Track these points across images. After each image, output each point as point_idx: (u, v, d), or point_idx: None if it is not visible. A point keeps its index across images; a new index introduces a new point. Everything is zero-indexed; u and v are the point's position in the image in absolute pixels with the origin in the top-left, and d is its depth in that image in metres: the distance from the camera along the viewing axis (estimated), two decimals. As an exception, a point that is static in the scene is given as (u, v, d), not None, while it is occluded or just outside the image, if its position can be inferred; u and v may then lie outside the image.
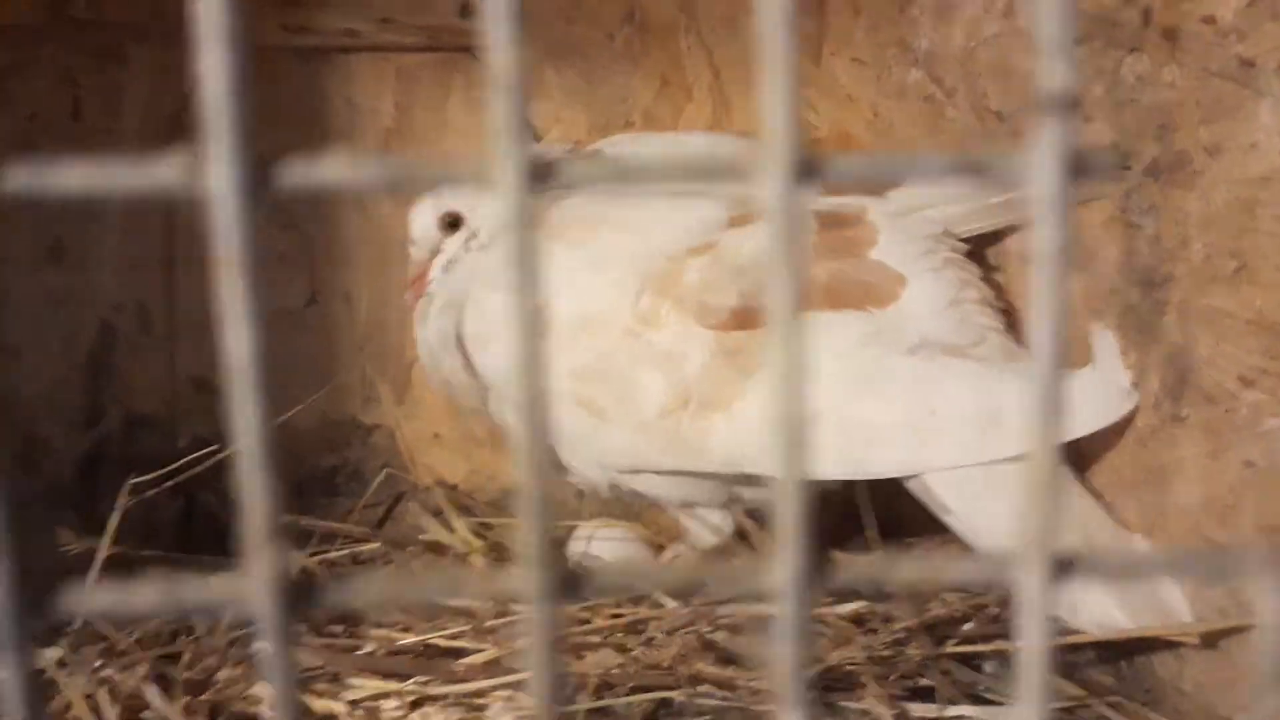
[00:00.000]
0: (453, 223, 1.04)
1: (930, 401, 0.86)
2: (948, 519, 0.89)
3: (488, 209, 1.04)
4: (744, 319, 0.91)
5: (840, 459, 0.87)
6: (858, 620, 0.89)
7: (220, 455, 0.98)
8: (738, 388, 0.90)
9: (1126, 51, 0.80)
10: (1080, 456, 0.87)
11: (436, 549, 1.10)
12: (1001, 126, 0.97)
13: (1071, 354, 0.90)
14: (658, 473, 0.96)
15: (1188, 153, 0.75)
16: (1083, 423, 0.83)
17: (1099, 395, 0.83)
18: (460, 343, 1.01)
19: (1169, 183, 0.77)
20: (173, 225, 1.22)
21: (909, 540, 1.08)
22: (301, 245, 1.24)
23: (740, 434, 0.91)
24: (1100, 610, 0.79)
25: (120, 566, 0.96)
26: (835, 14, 1.22)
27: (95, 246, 1.21)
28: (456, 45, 1.21)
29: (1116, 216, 0.83)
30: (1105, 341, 0.83)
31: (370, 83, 1.22)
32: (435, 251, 1.05)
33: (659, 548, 1.07)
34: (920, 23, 1.10)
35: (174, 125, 1.20)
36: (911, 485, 0.90)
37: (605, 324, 0.93)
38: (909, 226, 0.95)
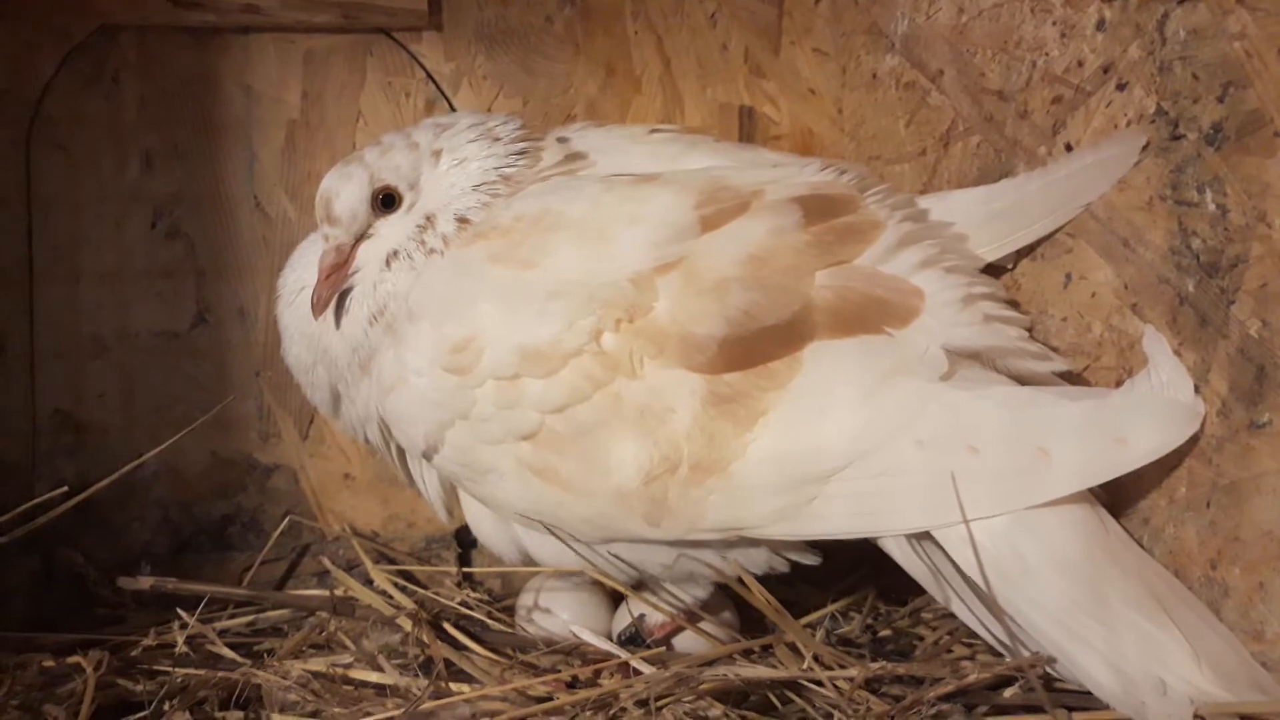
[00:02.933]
0: (386, 199, 0.83)
1: (971, 438, 0.72)
2: (958, 602, 0.75)
3: (441, 180, 0.83)
4: (736, 353, 0.75)
5: (871, 512, 0.73)
6: (873, 685, 0.75)
7: (75, 501, 0.79)
8: (735, 444, 0.74)
9: (1174, 3, 0.70)
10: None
11: (351, 610, 0.92)
12: (1005, 107, 0.86)
13: (1105, 357, 0.78)
14: (638, 542, 0.79)
15: (1264, 112, 0.64)
16: (1141, 451, 0.70)
17: (1157, 413, 0.70)
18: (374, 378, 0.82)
19: (1239, 149, 0.66)
20: (32, 230, 1.03)
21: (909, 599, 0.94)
22: (187, 254, 1.06)
23: (740, 499, 0.75)
24: (1192, 689, 0.66)
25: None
26: (795, 0, 1.10)
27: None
28: (373, 26, 1.06)
29: (1163, 195, 0.71)
30: (1157, 344, 0.71)
31: (273, 68, 1.06)
32: (360, 236, 0.84)
33: (616, 596, 0.91)
34: (897, 3, 0.99)
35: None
36: (912, 553, 0.76)
37: (561, 372, 0.76)
38: (909, 216, 0.82)
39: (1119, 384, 0.75)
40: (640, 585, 0.85)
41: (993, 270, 0.86)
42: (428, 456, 0.82)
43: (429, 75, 1.07)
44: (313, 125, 1.06)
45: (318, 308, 0.82)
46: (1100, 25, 0.76)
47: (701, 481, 0.74)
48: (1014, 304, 0.83)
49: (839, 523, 0.74)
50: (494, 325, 0.77)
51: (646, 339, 0.75)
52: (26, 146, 1.02)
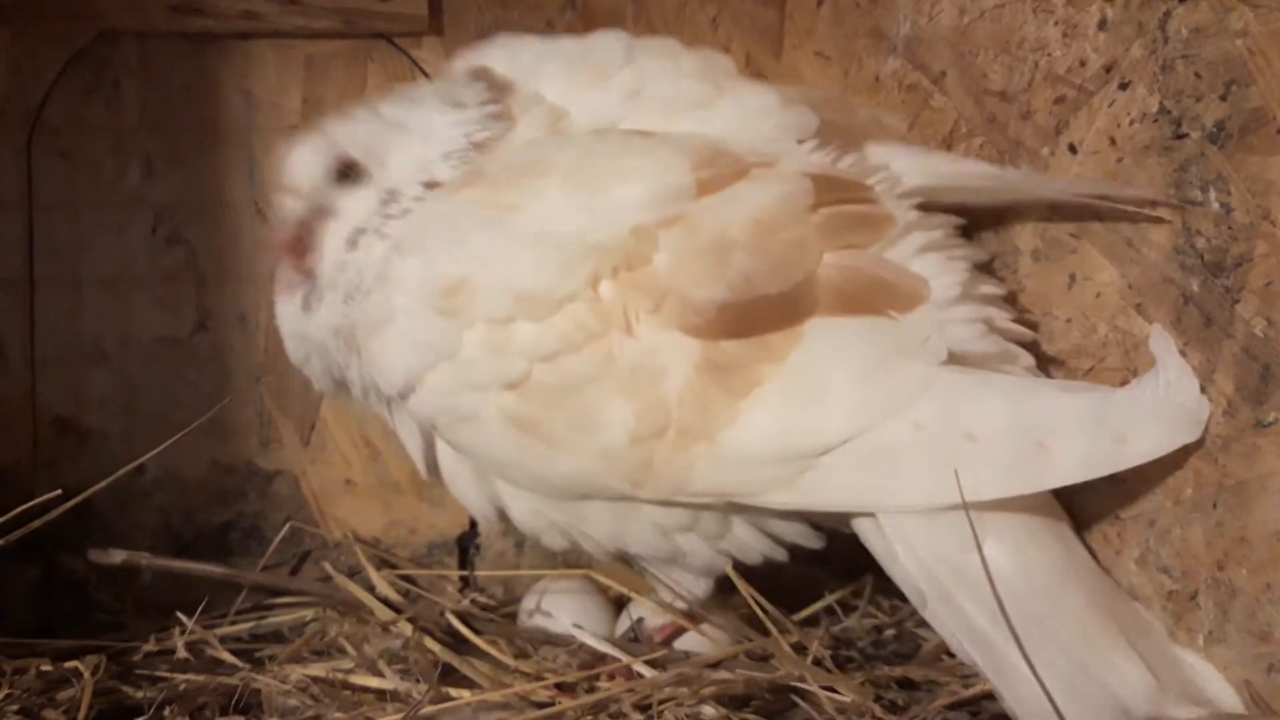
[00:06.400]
0: (346, 172, 0.80)
1: (970, 425, 0.71)
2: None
3: (406, 155, 0.80)
4: (735, 321, 0.73)
5: (862, 489, 0.72)
6: (876, 688, 0.74)
7: (72, 503, 0.79)
8: (726, 413, 0.72)
9: (1176, 2, 0.69)
10: (1117, 480, 0.73)
11: (353, 615, 0.91)
12: (1007, 108, 0.86)
13: (1110, 358, 0.77)
14: (620, 501, 0.77)
15: (1268, 110, 0.64)
16: (1140, 451, 0.69)
17: (1160, 416, 0.69)
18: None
19: (1242, 147, 0.65)
20: (33, 235, 1.03)
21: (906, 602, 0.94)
22: (188, 260, 1.06)
23: (728, 467, 0.73)
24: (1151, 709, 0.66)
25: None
26: (796, 3, 1.10)
27: (-67, 261, 1.01)
28: (373, 31, 1.06)
29: (1167, 195, 0.71)
30: (1164, 344, 0.71)
31: (273, 74, 1.06)
32: (320, 211, 0.81)
33: (620, 599, 0.90)
34: (899, 5, 0.99)
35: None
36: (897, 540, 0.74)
37: (553, 320, 0.73)
38: (917, 210, 0.81)
39: (1123, 385, 0.75)
40: (640, 586, 0.84)
41: (1004, 263, 0.85)
42: (403, 396, 0.79)
43: (429, 81, 1.07)
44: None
45: (281, 287, 0.80)
46: (1102, 24, 0.76)
47: (689, 447, 0.73)
48: (1013, 308, 0.83)
49: (830, 496, 0.73)
50: (488, 266, 0.75)
51: (643, 292, 0.73)
52: (27, 153, 1.02)
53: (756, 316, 0.73)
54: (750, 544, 0.79)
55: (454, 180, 0.79)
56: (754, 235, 0.74)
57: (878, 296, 0.74)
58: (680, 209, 0.75)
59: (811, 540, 0.79)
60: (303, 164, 0.80)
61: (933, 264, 0.78)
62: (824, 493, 0.73)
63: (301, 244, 0.80)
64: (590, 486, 0.76)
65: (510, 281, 0.74)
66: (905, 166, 0.83)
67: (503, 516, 0.82)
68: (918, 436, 0.71)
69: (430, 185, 0.79)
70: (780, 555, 0.79)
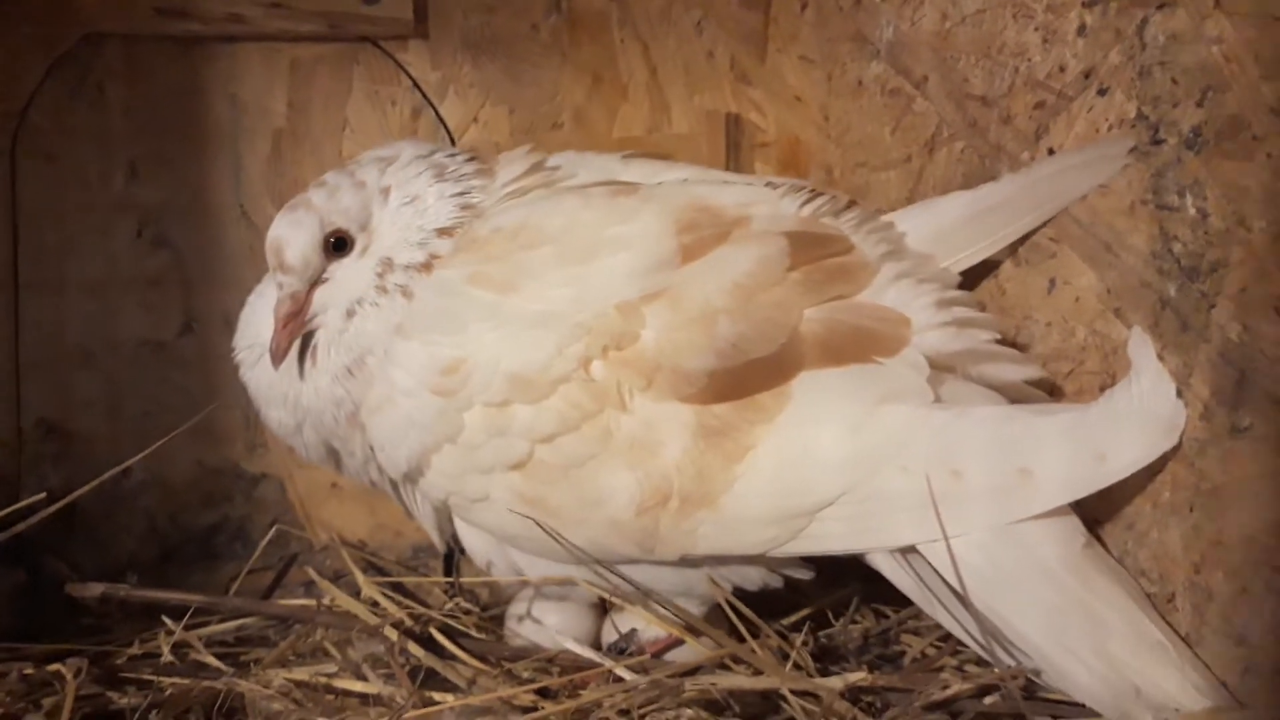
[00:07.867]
0: (338, 243, 0.82)
1: (954, 462, 0.72)
2: (944, 613, 0.76)
3: (394, 218, 0.81)
4: (724, 385, 0.75)
5: (859, 534, 0.74)
6: (856, 694, 0.74)
7: (58, 506, 0.79)
8: (723, 478, 0.74)
9: (1153, 8, 0.70)
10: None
11: (339, 620, 0.91)
12: (988, 112, 0.86)
13: (1089, 361, 0.78)
14: (633, 563, 0.80)
15: (1243, 116, 0.64)
16: (1120, 465, 0.70)
17: (1136, 426, 0.70)
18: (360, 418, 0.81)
19: (1218, 153, 0.66)
20: (18, 239, 1.03)
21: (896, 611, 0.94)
22: (173, 263, 1.06)
23: (730, 529, 0.75)
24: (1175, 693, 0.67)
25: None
26: (781, 7, 1.11)
27: (-83, 265, 1.01)
28: (359, 35, 1.06)
29: (1144, 199, 0.71)
30: (1142, 347, 0.71)
31: (259, 77, 1.06)
32: (315, 281, 0.82)
33: (605, 607, 0.90)
34: (881, 10, 1.00)
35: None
36: (899, 566, 0.77)
37: (548, 402, 0.75)
38: (895, 253, 0.82)
39: (1103, 388, 0.75)
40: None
41: (985, 267, 0.86)
42: (412, 479, 0.82)
43: (415, 84, 1.07)
44: (299, 134, 1.06)
45: (277, 356, 0.81)
46: (1081, 30, 0.76)
47: (691, 514, 0.75)
48: (995, 329, 0.83)
49: (828, 543, 0.76)
50: (483, 348, 0.76)
51: (634, 370, 0.75)
52: (12, 156, 1.02)
53: (746, 379, 0.75)
54: (753, 577, 0.81)
55: (449, 251, 0.80)
56: (736, 300, 0.75)
57: (862, 345, 0.76)
58: (664, 280, 0.76)
59: (805, 572, 0.82)
60: (298, 245, 0.80)
61: (907, 291, 0.79)
62: (823, 541, 0.75)
63: (301, 315, 0.81)
64: (603, 554, 0.79)
65: (504, 366, 0.75)
66: (909, 227, 0.85)
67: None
68: (907, 481, 0.72)
69: (427, 266, 0.80)
70: (777, 583, 0.82)
